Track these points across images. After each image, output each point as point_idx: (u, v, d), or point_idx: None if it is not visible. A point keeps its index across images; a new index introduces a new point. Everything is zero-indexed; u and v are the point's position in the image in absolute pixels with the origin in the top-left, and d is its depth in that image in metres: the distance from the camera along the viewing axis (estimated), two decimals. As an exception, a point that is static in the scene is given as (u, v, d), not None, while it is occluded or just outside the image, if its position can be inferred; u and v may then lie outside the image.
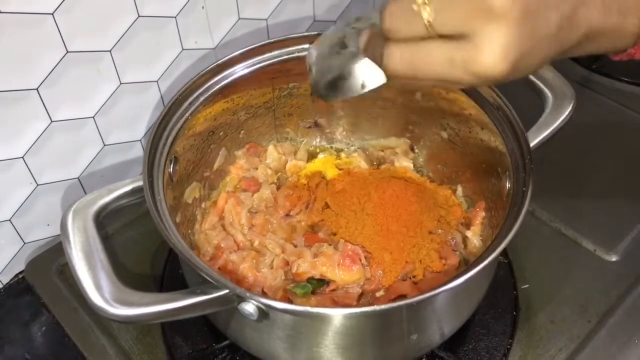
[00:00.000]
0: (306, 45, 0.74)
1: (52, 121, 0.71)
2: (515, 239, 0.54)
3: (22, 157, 0.71)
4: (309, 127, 0.85)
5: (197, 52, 0.82)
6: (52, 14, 0.64)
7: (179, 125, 0.67)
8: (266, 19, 0.88)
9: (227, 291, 0.51)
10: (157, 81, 0.80)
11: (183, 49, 0.80)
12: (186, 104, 0.68)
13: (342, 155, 0.86)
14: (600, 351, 0.67)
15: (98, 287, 0.51)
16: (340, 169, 0.82)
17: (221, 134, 0.76)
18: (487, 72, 0.38)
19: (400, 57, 0.42)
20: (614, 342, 0.68)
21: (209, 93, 0.70)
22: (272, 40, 0.73)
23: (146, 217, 0.62)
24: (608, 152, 0.89)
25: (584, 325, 0.70)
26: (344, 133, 0.86)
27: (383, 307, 0.50)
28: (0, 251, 0.77)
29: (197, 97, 0.69)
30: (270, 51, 0.73)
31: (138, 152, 0.84)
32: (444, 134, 0.77)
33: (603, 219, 0.80)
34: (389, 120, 0.83)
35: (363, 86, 0.49)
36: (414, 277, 0.68)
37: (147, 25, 0.73)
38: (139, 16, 0.72)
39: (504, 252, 0.75)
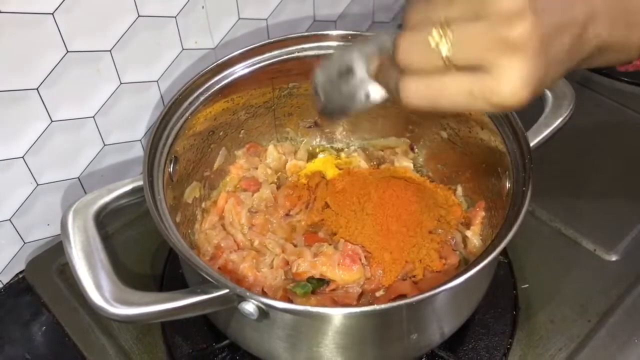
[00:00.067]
0: (306, 45, 0.74)
1: (52, 121, 0.71)
2: (515, 238, 0.54)
3: (22, 157, 0.71)
4: (309, 126, 0.85)
5: (197, 52, 0.82)
6: (52, 14, 0.64)
7: (179, 125, 0.67)
8: (266, 19, 0.88)
9: (227, 291, 0.51)
10: (157, 81, 0.80)
11: (183, 49, 0.80)
12: (186, 103, 0.68)
13: (342, 155, 0.86)
14: (600, 351, 0.67)
15: (98, 287, 0.51)
16: (340, 169, 0.82)
17: (221, 133, 0.76)
18: (507, 102, 0.39)
19: (416, 89, 0.41)
20: (614, 342, 0.68)
21: (209, 93, 0.70)
22: (272, 40, 0.73)
23: (146, 216, 0.62)
24: (608, 152, 0.89)
25: (583, 325, 0.70)
26: (344, 133, 0.86)
27: (383, 306, 0.50)
28: (1, 251, 0.77)
29: (197, 97, 0.69)
30: (270, 51, 0.73)
31: (138, 152, 0.84)
32: (444, 134, 0.77)
33: (603, 219, 0.80)
34: (389, 120, 0.83)
35: (370, 101, 0.49)
36: (413, 276, 0.68)
37: (147, 25, 0.73)
38: (139, 16, 0.72)
39: (504, 252, 0.75)
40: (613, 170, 0.87)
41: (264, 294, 0.66)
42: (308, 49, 0.74)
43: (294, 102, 0.81)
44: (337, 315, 0.53)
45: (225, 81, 0.71)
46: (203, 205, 0.76)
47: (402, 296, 0.65)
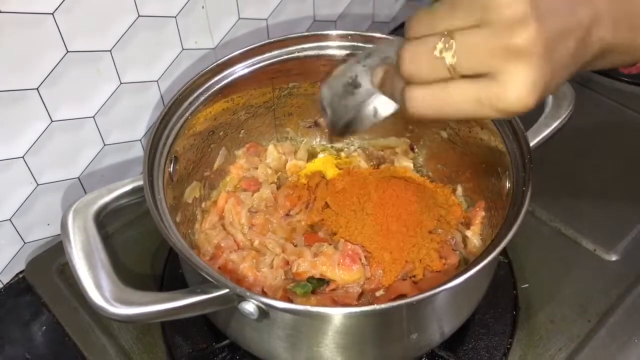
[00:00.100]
0: (306, 45, 0.74)
1: (52, 121, 0.71)
2: (515, 238, 0.54)
3: (22, 157, 0.71)
4: (309, 126, 0.85)
5: (197, 52, 0.82)
6: (52, 13, 0.64)
7: (179, 125, 0.67)
8: (266, 19, 0.88)
9: (227, 290, 0.51)
10: (157, 81, 0.80)
11: (183, 49, 0.80)
12: (186, 103, 0.68)
13: (342, 154, 0.86)
14: (600, 351, 0.67)
15: (98, 287, 0.51)
16: (340, 169, 0.82)
17: (221, 133, 0.76)
18: (513, 108, 0.39)
19: (422, 99, 0.41)
20: (614, 342, 0.68)
21: (209, 93, 0.70)
22: (272, 40, 0.73)
23: (146, 216, 0.62)
24: (608, 152, 0.89)
25: (583, 325, 0.70)
26: (344, 133, 0.86)
27: (383, 306, 0.50)
28: (1, 251, 0.77)
29: (197, 96, 0.69)
30: (270, 51, 0.73)
31: (138, 151, 0.84)
32: (444, 134, 0.77)
33: (603, 219, 0.80)
34: (389, 120, 0.82)
35: (378, 116, 0.49)
36: (413, 276, 0.68)
37: (147, 25, 0.73)
38: (139, 16, 0.72)
39: (504, 252, 0.76)
40: (613, 170, 0.87)
41: (264, 293, 0.66)
42: (308, 49, 0.74)
43: (294, 102, 0.81)
44: (337, 315, 0.53)
45: (225, 81, 0.71)
46: (203, 205, 0.76)
47: (402, 296, 0.65)
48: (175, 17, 0.76)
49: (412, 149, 0.83)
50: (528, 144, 0.62)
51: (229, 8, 0.82)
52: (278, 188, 0.79)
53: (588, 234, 0.78)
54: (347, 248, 0.68)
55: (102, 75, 0.73)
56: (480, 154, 0.71)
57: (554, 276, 0.75)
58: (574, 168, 0.87)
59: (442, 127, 0.77)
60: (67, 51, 0.67)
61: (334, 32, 0.73)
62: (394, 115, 0.49)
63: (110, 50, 0.71)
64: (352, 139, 0.86)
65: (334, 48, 0.74)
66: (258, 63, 0.73)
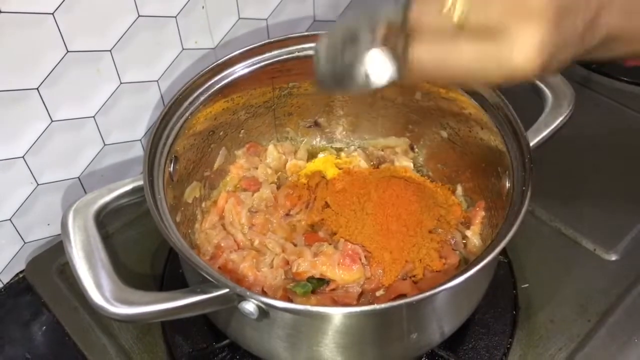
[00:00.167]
0: (306, 45, 0.74)
1: (52, 121, 0.71)
2: (515, 238, 0.54)
3: (23, 157, 0.71)
4: (309, 126, 0.85)
5: (197, 52, 0.82)
6: (53, 13, 0.64)
7: (179, 124, 0.67)
8: (266, 19, 0.88)
9: (227, 290, 0.51)
10: (157, 81, 0.80)
11: (183, 49, 0.80)
12: (186, 103, 0.68)
13: (342, 154, 0.86)
14: (600, 350, 0.67)
15: (98, 286, 0.51)
16: (340, 169, 0.82)
17: (221, 133, 0.76)
18: (519, 68, 0.39)
19: (428, 53, 0.41)
20: (614, 342, 0.68)
21: (209, 93, 0.70)
22: (272, 40, 0.73)
23: (146, 216, 0.62)
24: (608, 152, 0.89)
25: (583, 325, 0.70)
26: (344, 132, 0.86)
27: (383, 306, 0.50)
28: (1, 251, 0.77)
29: (197, 96, 0.69)
30: (270, 51, 0.73)
31: (138, 151, 0.84)
32: (444, 134, 0.77)
33: (603, 219, 0.80)
34: (389, 120, 0.83)
35: (372, 82, 0.47)
36: (413, 276, 0.68)
37: (147, 25, 0.73)
38: (139, 16, 0.72)
39: (504, 252, 0.76)
40: (613, 170, 0.87)
41: (264, 293, 0.66)
42: (308, 49, 0.74)
43: (294, 102, 0.81)
44: (337, 314, 0.53)
45: (225, 81, 0.71)
46: (203, 205, 0.76)
47: (402, 296, 0.65)
48: (175, 17, 0.76)
49: (412, 149, 0.83)
50: (528, 144, 0.62)
51: (229, 8, 0.82)
52: (278, 188, 0.79)
53: (588, 233, 0.78)
54: (347, 248, 0.68)
55: (102, 75, 0.73)
56: (480, 154, 0.71)
57: (554, 276, 0.75)
58: (574, 168, 0.87)
59: (442, 126, 0.77)
60: (67, 51, 0.67)
61: (334, 32, 0.73)
62: (387, 84, 0.47)
63: (110, 50, 0.71)
64: (352, 138, 0.87)
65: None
66: (258, 63, 0.73)
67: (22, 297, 0.77)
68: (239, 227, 0.73)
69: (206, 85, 0.70)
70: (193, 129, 0.70)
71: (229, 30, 0.84)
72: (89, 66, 0.71)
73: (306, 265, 0.67)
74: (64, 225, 0.56)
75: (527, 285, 0.74)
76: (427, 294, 0.51)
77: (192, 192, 0.73)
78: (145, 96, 0.80)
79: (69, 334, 0.71)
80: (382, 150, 0.84)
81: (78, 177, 0.79)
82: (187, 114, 0.68)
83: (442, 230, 0.71)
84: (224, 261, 0.68)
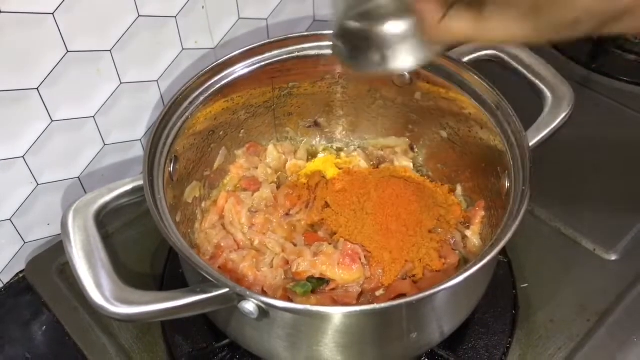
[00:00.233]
0: (306, 45, 0.74)
1: (52, 121, 0.71)
2: (514, 238, 0.54)
3: (23, 157, 0.71)
4: (309, 126, 0.85)
5: (197, 51, 0.82)
6: (53, 13, 0.64)
7: (179, 124, 0.67)
8: (266, 19, 0.88)
9: (227, 290, 0.51)
10: (157, 81, 0.80)
11: (183, 49, 0.80)
12: (186, 103, 0.68)
13: (342, 154, 0.86)
14: (599, 350, 0.67)
15: (98, 286, 0.51)
16: (340, 168, 0.82)
17: (221, 133, 0.76)
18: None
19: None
20: (614, 341, 0.68)
21: (209, 92, 0.70)
22: (272, 40, 0.73)
23: (146, 216, 0.62)
24: (608, 152, 0.89)
25: (583, 324, 0.70)
26: (344, 132, 0.87)
27: (383, 305, 0.51)
28: (1, 251, 0.77)
29: (197, 96, 0.69)
30: (270, 51, 0.73)
31: (138, 151, 0.85)
32: (444, 133, 0.77)
33: (603, 219, 0.80)
34: (389, 120, 0.83)
35: (386, 63, 0.46)
36: (413, 276, 0.68)
37: (147, 25, 0.73)
38: (139, 16, 0.72)
39: (504, 251, 0.76)
40: (613, 170, 0.87)
41: (264, 293, 0.66)
42: (308, 49, 0.74)
43: (294, 102, 0.81)
44: (337, 314, 0.53)
45: (225, 81, 0.71)
46: (203, 204, 0.76)
47: (402, 295, 0.65)
48: (175, 17, 0.76)
49: (411, 149, 0.83)
50: (528, 144, 0.62)
51: (229, 8, 0.82)
52: (278, 188, 0.79)
53: (588, 233, 0.78)
54: (347, 247, 0.68)
55: (102, 75, 0.73)
56: (480, 154, 0.71)
57: (554, 276, 0.75)
58: (573, 168, 0.87)
59: (442, 126, 0.77)
60: (67, 51, 0.67)
61: (333, 32, 0.74)
62: (402, 69, 0.46)
63: (110, 50, 0.72)
64: (352, 138, 0.87)
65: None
66: (258, 63, 0.73)
67: (22, 297, 0.77)
68: (239, 227, 0.73)
69: (206, 85, 0.70)
70: (193, 129, 0.70)
71: (229, 30, 0.84)
72: (89, 66, 0.71)
73: (306, 265, 0.67)
74: (64, 225, 0.56)
75: (526, 285, 0.74)
76: (427, 293, 0.51)
77: (192, 191, 0.73)
78: (145, 96, 0.80)
79: (69, 333, 0.72)
80: (382, 150, 0.85)
81: (78, 177, 0.79)
82: (187, 114, 0.68)
83: (442, 230, 0.72)
84: (223, 261, 0.69)
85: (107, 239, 0.72)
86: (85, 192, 0.73)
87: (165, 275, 0.76)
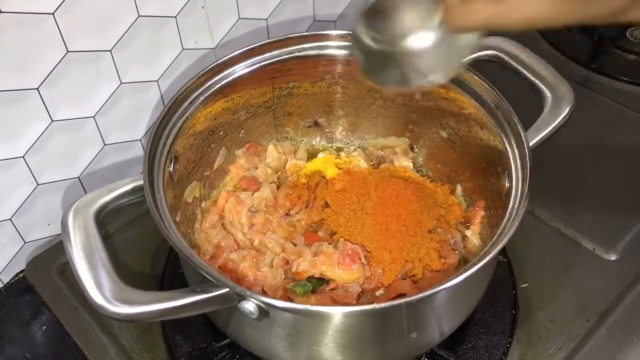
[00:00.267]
0: (306, 45, 0.74)
1: (52, 121, 0.71)
2: (514, 238, 0.54)
3: (23, 157, 0.71)
4: (309, 126, 0.85)
5: (197, 52, 0.82)
6: (53, 13, 0.64)
7: (179, 124, 0.67)
8: (266, 19, 0.88)
9: (227, 290, 0.51)
10: (157, 81, 0.80)
11: (183, 49, 0.80)
12: (186, 103, 0.68)
13: (342, 154, 0.86)
14: (599, 350, 0.67)
15: (99, 286, 0.51)
16: (340, 168, 0.82)
17: (221, 133, 0.76)
18: None
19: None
20: (613, 341, 0.68)
21: (209, 93, 0.70)
22: (272, 40, 0.73)
23: (146, 216, 0.62)
24: (608, 151, 0.89)
25: (583, 324, 0.70)
26: (344, 132, 0.87)
27: (383, 305, 0.51)
28: (1, 250, 0.77)
29: (197, 96, 0.69)
30: (270, 51, 0.73)
31: (138, 151, 0.85)
32: (444, 133, 0.78)
33: (602, 219, 0.80)
34: (389, 120, 0.83)
35: (421, 77, 0.46)
36: (413, 276, 0.68)
37: (147, 25, 0.73)
38: (139, 16, 0.72)
39: (503, 251, 0.76)
40: (613, 170, 0.87)
41: (264, 293, 0.66)
42: (308, 49, 0.74)
43: (294, 102, 0.81)
44: (337, 314, 0.53)
45: (225, 81, 0.71)
46: (203, 204, 0.76)
47: (402, 295, 0.65)
48: (175, 17, 0.76)
49: (411, 149, 0.84)
50: (528, 144, 0.62)
51: (229, 8, 0.82)
52: (278, 188, 0.79)
53: (588, 233, 0.78)
54: (347, 247, 0.68)
55: (102, 75, 0.73)
56: (480, 154, 0.71)
57: (554, 276, 0.75)
58: (573, 168, 0.87)
59: (441, 126, 0.77)
60: (68, 51, 0.67)
61: (334, 32, 0.74)
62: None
63: (110, 50, 0.72)
64: (352, 138, 0.87)
65: (334, 48, 0.74)
66: (258, 63, 0.73)
67: (22, 297, 0.77)
68: (239, 227, 0.73)
69: (206, 85, 0.70)
70: (193, 129, 0.70)
71: (229, 30, 0.84)
72: (89, 66, 0.71)
73: (306, 264, 0.67)
74: (64, 225, 0.56)
75: (526, 285, 0.74)
76: (427, 293, 0.51)
77: (192, 191, 0.73)
78: (145, 96, 0.80)
79: (69, 333, 0.72)
80: (382, 150, 0.85)
81: (78, 177, 0.79)
82: (187, 114, 0.68)
83: (442, 230, 0.72)
84: (223, 261, 0.69)
85: (107, 239, 0.73)
86: (85, 192, 0.73)
87: (165, 275, 0.76)
